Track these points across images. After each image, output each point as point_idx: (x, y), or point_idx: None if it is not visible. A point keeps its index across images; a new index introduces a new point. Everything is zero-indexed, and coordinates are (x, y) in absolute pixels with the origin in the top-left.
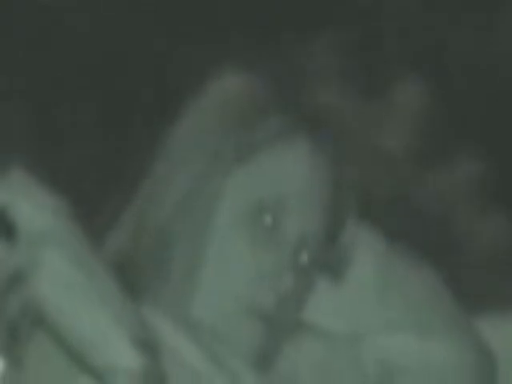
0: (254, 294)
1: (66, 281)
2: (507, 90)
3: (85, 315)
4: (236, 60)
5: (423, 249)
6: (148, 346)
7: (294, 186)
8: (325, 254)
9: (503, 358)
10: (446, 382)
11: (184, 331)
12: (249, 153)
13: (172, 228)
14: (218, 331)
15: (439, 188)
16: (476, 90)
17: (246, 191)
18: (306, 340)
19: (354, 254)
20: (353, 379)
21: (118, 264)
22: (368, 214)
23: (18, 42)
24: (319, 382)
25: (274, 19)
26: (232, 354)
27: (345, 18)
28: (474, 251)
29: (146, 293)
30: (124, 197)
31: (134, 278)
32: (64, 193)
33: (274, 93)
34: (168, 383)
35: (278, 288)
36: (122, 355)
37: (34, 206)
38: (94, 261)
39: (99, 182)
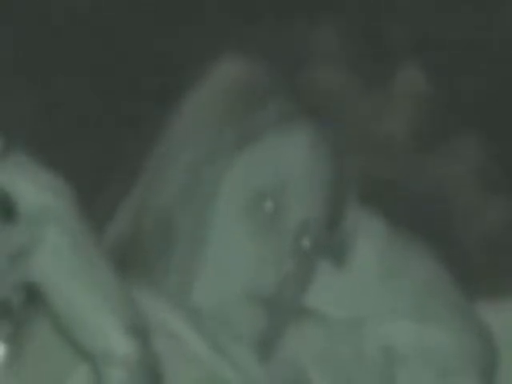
0: (256, 280)
1: (65, 259)
2: (509, 77)
3: (82, 297)
4: (237, 46)
5: (423, 234)
6: (142, 333)
7: (294, 172)
8: (326, 239)
9: (504, 343)
10: (448, 367)
11: (185, 318)
12: (250, 139)
13: (172, 215)
14: (220, 317)
15: (439, 174)
16: (477, 78)
17: (247, 178)
18: (308, 326)
19: (355, 240)
20: (354, 365)
21: (118, 251)
22: (368, 199)
23: (17, 28)
24: (321, 368)
25: (275, 6)
26: (234, 341)
27: (347, 5)
28: (475, 236)
29: (147, 280)
30: (124, 184)
31: (135, 265)
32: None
33: (274, 79)
34: (169, 370)
35: (279, 274)
36: (117, 342)
37: (34, 185)
38: (92, 244)
39: (99, 169)
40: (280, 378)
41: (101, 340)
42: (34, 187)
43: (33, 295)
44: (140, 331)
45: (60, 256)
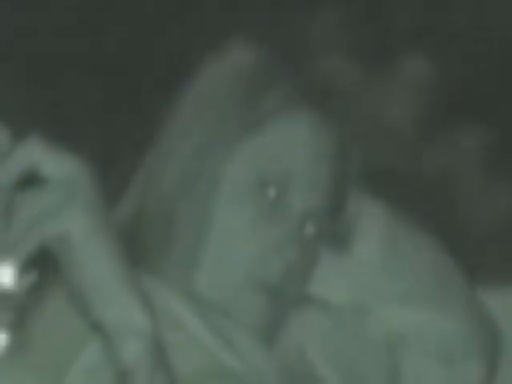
0: (259, 267)
1: (93, 220)
2: (511, 64)
3: (100, 266)
4: (238, 35)
5: (425, 221)
6: (152, 312)
7: (297, 160)
8: (330, 226)
9: (508, 329)
10: (452, 354)
11: (189, 305)
12: (253, 127)
13: (175, 202)
14: (223, 305)
15: (441, 161)
16: (480, 65)
17: (250, 165)
18: (311, 313)
19: (359, 226)
20: (358, 352)
21: (122, 237)
22: (370, 186)
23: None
24: (324, 355)
25: None
26: (237, 328)
27: None
28: (476, 223)
29: (151, 266)
30: (128, 170)
31: (139, 251)
32: None
33: (276, 67)
34: (173, 357)
35: (283, 261)
36: (134, 314)
37: (58, 159)
38: (109, 219)
39: (104, 156)
40: (284, 365)
41: (120, 310)
42: (57, 158)
43: (46, 268)
44: (150, 307)
45: (86, 218)
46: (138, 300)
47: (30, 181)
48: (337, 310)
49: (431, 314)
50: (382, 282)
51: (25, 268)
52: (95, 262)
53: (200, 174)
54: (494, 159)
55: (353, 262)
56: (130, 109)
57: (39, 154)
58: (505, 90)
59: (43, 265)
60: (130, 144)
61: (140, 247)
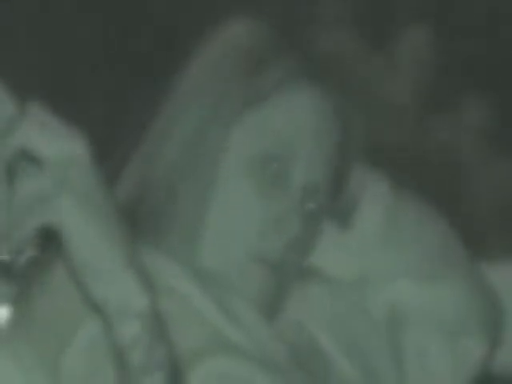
0: (261, 241)
1: (86, 206)
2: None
3: (99, 245)
4: (239, 9)
5: (427, 195)
6: (152, 289)
7: (299, 134)
8: (332, 200)
9: (509, 303)
10: (454, 327)
11: (191, 279)
12: (254, 101)
13: (177, 177)
14: (225, 279)
15: (442, 136)
16: (480, 40)
17: (252, 139)
18: (313, 287)
19: (361, 201)
20: (360, 326)
21: (124, 212)
22: (372, 161)
23: None
24: (326, 329)
25: None
26: (240, 301)
27: None
28: (478, 197)
29: (153, 243)
30: (133, 139)
31: (141, 226)
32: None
33: (278, 41)
34: (176, 330)
35: (284, 236)
36: (133, 294)
37: (55, 135)
38: (108, 194)
39: (108, 123)
40: (285, 338)
41: (116, 291)
42: (54, 135)
43: (46, 247)
44: (150, 286)
45: (80, 202)
46: (138, 280)
47: (28, 158)
48: (338, 284)
49: (433, 288)
50: (383, 255)
51: (25, 245)
52: (92, 245)
53: (201, 150)
54: (495, 133)
55: (354, 236)
56: (131, 87)
57: (35, 134)
58: (507, 64)
59: (46, 239)
60: (131, 122)
61: (141, 223)
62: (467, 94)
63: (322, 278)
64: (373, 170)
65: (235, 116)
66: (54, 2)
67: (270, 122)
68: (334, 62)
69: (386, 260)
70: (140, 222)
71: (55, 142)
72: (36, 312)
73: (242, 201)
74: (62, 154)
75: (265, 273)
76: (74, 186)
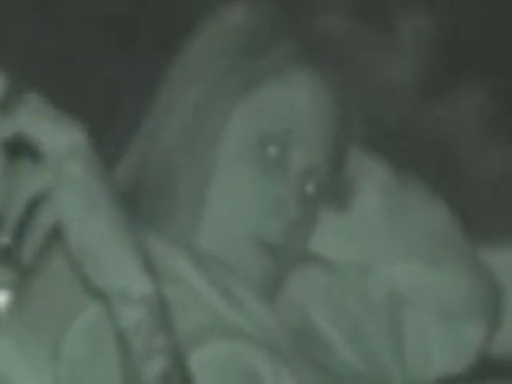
0: (260, 225)
1: (88, 194)
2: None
3: (101, 233)
4: None
5: (425, 179)
6: (155, 273)
7: (297, 118)
8: (331, 184)
9: (508, 286)
10: (453, 310)
11: (191, 261)
12: (253, 84)
13: (177, 159)
14: (225, 262)
15: (442, 120)
16: (480, 23)
17: (250, 122)
18: (312, 271)
19: (358, 184)
20: (360, 309)
21: (124, 197)
22: (370, 144)
23: None
24: (325, 313)
25: None
26: (241, 284)
27: None
28: (477, 181)
29: (153, 225)
30: (132, 122)
31: (141, 210)
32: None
33: (277, 25)
34: (176, 314)
35: (283, 219)
36: (136, 280)
37: (55, 125)
38: (109, 182)
39: (106, 107)
40: (285, 322)
41: (118, 277)
42: (54, 125)
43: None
44: (153, 271)
45: (81, 191)
46: (140, 265)
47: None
48: (338, 268)
49: (433, 271)
50: (382, 239)
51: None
52: (93, 233)
53: (200, 134)
54: (494, 118)
55: (354, 219)
56: (130, 70)
57: (35, 123)
58: (506, 48)
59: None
60: (129, 108)
61: (141, 208)
62: (467, 77)
63: (321, 262)
64: (372, 153)
65: (234, 99)
66: None
67: (269, 104)
68: (334, 44)
69: (385, 243)
70: (140, 206)
71: (54, 132)
72: (36, 297)
73: (241, 184)
74: (61, 145)
75: (264, 256)
76: (73, 176)
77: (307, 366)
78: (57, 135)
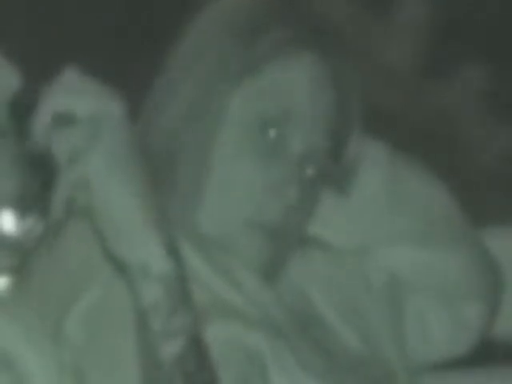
0: (260, 209)
1: (118, 162)
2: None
3: (127, 205)
4: None
5: (426, 161)
6: (176, 252)
7: (296, 101)
8: (330, 167)
9: (508, 269)
10: (454, 292)
11: (191, 242)
12: (252, 65)
13: (177, 144)
14: (225, 245)
15: (442, 104)
16: (479, 6)
17: (250, 106)
18: (313, 255)
19: (359, 168)
20: (360, 292)
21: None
22: (371, 128)
23: None
24: (325, 295)
25: None
26: (241, 266)
27: None
28: (477, 161)
29: None
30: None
31: None
32: None
33: (276, 10)
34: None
35: (282, 202)
36: (157, 257)
37: (89, 93)
38: (137, 153)
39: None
40: (285, 304)
41: (141, 252)
42: (88, 95)
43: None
44: (175, 250)
45: (110, 160)
46: (162, 242)
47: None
48: (338, 252)
49: (433, 254)
50: (383, 222)
51: (27, 214)
52: (118, 203)
53: (202, 113)
54: (493, 98)
55: (354, 203)
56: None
57: (73, 95)
58: (505, 28)
59: (46, 210)
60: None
61: None
62: (467, 60)
63: (322, 246)
64: (372, 137)
65: (234, 83)
66: None
67: (268, 88)
68: (334, 28)
69: (385, 226)
70: None
71: (89, 99)
72: (36, 282)
73: (241, 167)
74: (95, 111)
75: (264, 239)
76: (105, 143)
77: (307, 346)
78: (91, 101)
